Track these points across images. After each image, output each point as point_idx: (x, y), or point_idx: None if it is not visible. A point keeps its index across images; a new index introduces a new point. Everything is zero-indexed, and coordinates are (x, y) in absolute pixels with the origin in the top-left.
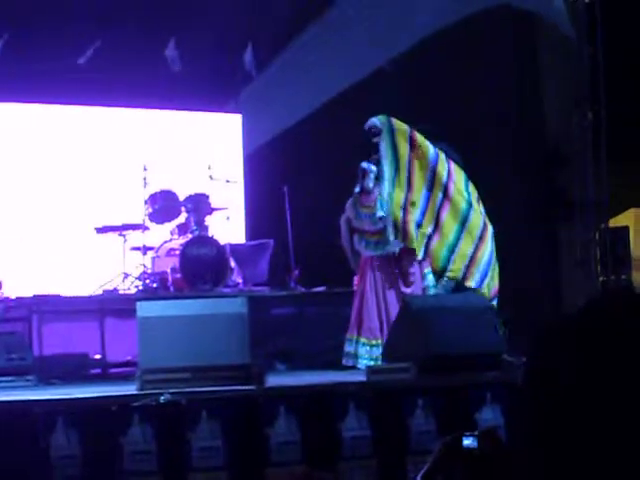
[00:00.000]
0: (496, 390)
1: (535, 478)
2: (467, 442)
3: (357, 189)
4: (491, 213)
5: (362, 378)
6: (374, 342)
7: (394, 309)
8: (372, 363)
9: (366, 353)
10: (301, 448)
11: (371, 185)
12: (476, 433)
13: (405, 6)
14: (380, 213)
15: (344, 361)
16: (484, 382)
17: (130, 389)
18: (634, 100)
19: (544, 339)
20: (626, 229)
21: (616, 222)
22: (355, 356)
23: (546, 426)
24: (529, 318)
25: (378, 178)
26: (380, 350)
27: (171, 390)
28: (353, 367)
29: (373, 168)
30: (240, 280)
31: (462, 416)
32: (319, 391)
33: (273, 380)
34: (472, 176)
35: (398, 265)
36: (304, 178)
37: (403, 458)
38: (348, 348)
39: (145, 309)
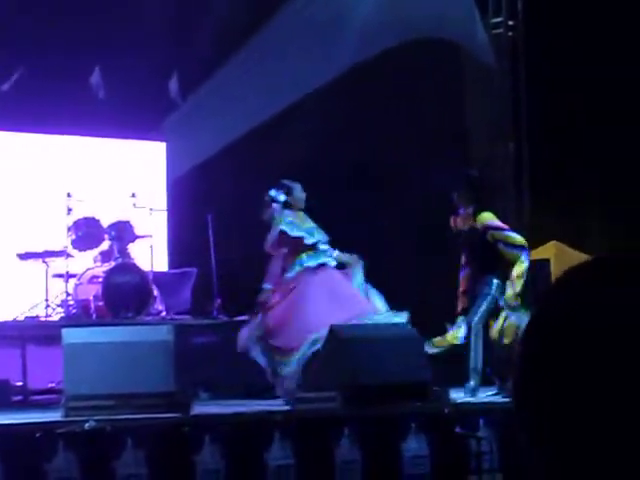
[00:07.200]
0: (422, 420)
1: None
2: None
3: None
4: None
5: (287, 407)
6: None
7: None
8: None
9: None
10: (226, 476)
11: None
12: None
13: (329, 37)
14: None
15: None
16: (410, 412)
17: (54, 416)
18: (555, 132)
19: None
20: (547, 262)
21: (536, 255)
22: None
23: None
24: None
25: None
26: None
27: (96, 417)
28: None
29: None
30: (162, 308)
31: (387, 446)
32: (244, 420)
33: (198, 408)
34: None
35: None
36: (227, 207)
37: None
38: None
39: (70, 336)
